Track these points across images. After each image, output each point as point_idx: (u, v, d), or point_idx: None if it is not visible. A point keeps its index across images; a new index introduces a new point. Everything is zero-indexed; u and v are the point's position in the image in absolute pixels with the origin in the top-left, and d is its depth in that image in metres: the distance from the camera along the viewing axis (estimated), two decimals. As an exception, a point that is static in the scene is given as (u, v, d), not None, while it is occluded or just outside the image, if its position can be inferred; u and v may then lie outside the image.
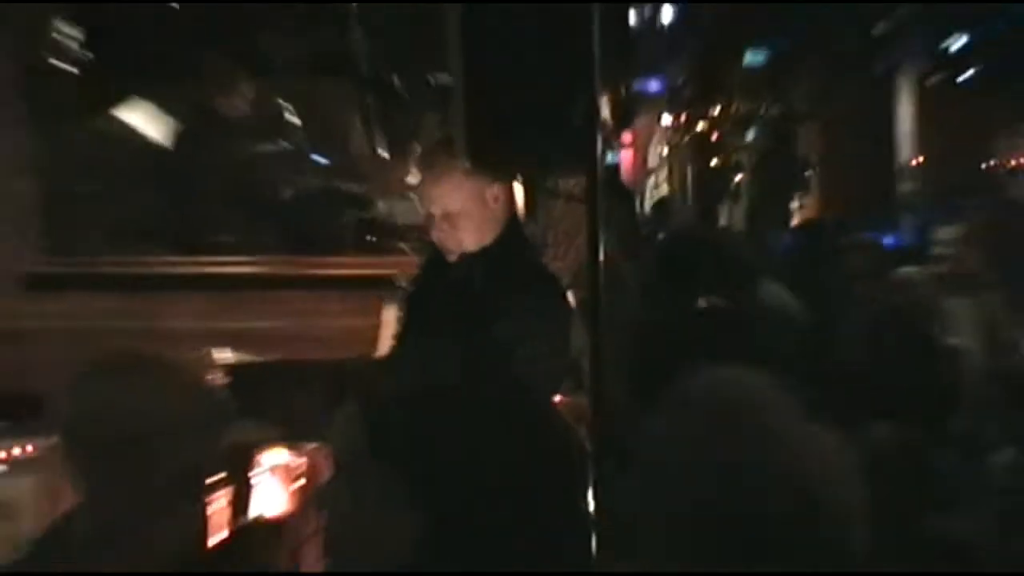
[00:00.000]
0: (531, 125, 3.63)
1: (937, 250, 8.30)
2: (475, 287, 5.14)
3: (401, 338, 5.36)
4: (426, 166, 5.35)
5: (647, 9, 18.97)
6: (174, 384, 3.21)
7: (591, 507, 4.84)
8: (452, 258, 5.24)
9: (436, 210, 5.23)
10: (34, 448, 6.00)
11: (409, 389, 2.75)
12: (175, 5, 7.87)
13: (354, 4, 7.35)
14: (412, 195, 5.75)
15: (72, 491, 3.19)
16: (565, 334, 5.03)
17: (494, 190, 5.16)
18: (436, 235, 5.28)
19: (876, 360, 6.06)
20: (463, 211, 5.17)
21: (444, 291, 5.27)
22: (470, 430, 2.41)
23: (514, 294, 5.03)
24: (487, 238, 5.19)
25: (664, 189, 25.02)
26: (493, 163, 4.65)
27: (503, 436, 2.42)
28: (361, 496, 2.52)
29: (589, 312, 4.02)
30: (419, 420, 2.46)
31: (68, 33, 7.34)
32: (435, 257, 5.32)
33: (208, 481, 3.35)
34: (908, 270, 7.78)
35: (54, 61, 7.10)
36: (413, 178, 5.62)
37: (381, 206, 7.79)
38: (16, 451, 6.03)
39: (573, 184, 5.37)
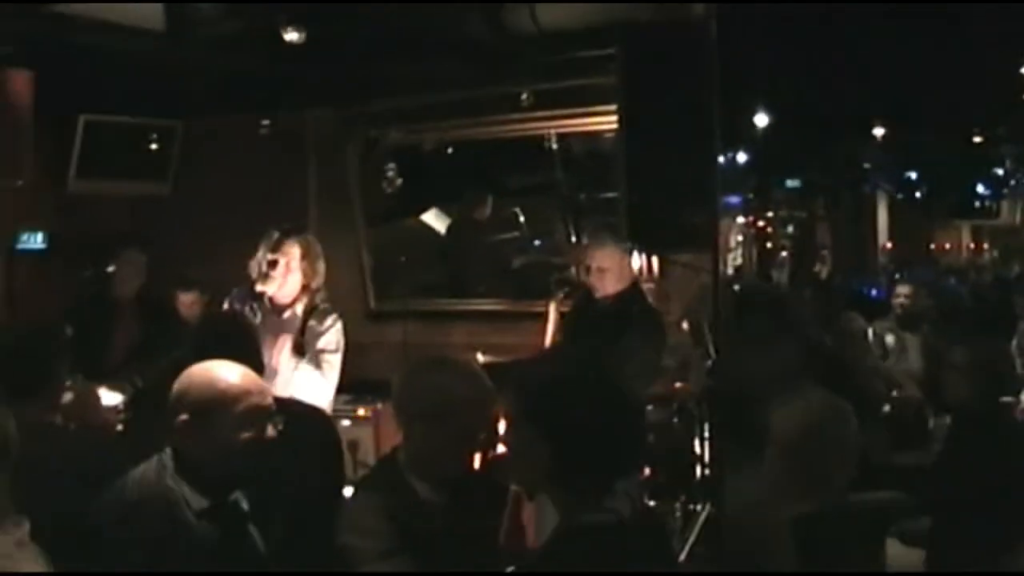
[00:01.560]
0: (672, 223, 3.59)
1: (898, 300, 8.03)
2: (610, 315, 5.23)
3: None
4: (593, 238, 5.40)
5: (730, 155, 19.03)
6: (458, 374, 3.16)
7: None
8: (598, 296, 5.24)
9: (593, 264, 5.27)
10: (368, 410, 6.12)
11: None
12: (449, 151, 7.92)
13: (557, 149, 7.29)
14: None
15: (397, 435, 3.18)
16: (659, 348, 5.12)
17: (629, 258, 5.20)
18: (591, 281, 5.29)
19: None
20: (610, 268, 5.21)
21: (593, 316, 5.35)
22: (599, 396, 2.37)
23: (632, 321, 5.17)
24: (620, 287, 5.22)
25: (740, 260, 24.91)
26: (647, 244, 4.68)
27: (611, 401, 2.38)
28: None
29: (711, 327, 3.93)
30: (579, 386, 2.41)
31: (390, 171, 7.37)
32: (588, 294, 5.39)
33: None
34: (850, 314, 7.57)
35: (384, 188, 7.15)
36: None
37: (572, 271, 7.74)
38: (360, 411, 6.14)
39: (686, 257, 5.32)
